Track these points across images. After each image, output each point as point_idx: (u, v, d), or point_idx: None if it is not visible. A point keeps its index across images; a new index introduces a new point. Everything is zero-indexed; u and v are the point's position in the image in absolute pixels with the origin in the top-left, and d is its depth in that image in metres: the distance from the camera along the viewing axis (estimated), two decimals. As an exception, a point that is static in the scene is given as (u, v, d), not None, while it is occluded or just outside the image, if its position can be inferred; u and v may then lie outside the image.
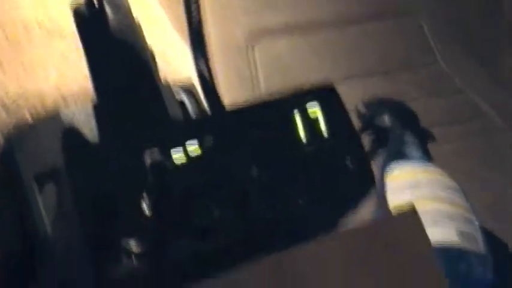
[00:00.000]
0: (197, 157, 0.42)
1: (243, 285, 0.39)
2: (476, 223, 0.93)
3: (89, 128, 0.60)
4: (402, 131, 1.04)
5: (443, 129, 1.10)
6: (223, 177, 0.42)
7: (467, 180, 0.99)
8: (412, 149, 1.03)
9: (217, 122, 0.45)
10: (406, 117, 1.07)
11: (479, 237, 0.91)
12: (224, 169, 0.42)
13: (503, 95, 1.14)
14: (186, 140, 0.43)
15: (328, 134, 0.45)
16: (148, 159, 0.41)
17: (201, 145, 0.43)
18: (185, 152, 0.42)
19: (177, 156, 0.42)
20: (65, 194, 0.58)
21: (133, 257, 0.40)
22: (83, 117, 0.61)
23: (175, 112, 0.64)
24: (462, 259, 0.88)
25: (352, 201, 0.44)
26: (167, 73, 0.70)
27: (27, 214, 0.61)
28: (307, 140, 0.45)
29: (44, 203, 0.60)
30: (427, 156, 1.04)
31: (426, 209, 0.94)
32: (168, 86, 0.65)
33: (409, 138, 1.04)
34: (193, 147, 0.43)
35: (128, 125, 0.58)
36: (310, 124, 0.46)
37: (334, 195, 0.44)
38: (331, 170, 0.44)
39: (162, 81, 0.59)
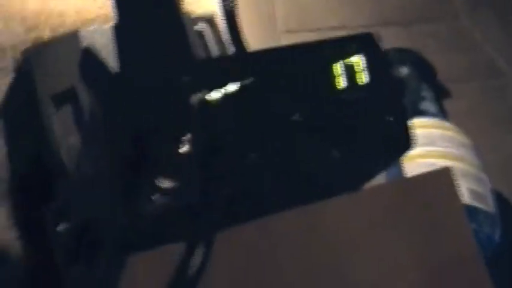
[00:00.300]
0: (237, 98, 0.40)
1: (274, 234, 0.38)
2: (488, 183, 0.92)
3: (107, 51, 0.59)
4: (419, 84, 1.02)
5: (459, 85, 1.08)
6: (264, 122, 0.40)
7: (480, 139, 0.98)
8: (428, 104, 1.01)
9: (255, 63, 0.43)
10: (424, 70, 1.04)
11: (490, 197, 0.90)
12: (265, 114, 0.40)
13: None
14: (226, 80, 0.41)
15: (368, 84, 0.44)
16: (188, 95, 0.39)
17: (241, 87, 0.41)
18: (225, 92, 0.40)
19: (216, 95, 0.40)
20: (84, 116, 0.57)
21: (165, 194, 0.39)
22: (103, 39, 0.59)
23: (194, 41, 0.63)
24: (471, 218, 0.88)
25: (388, 160, 0.43)
26: (188, 4, 0.68)
27: (43, 134, 0.60)
28: (346, 88, 0.44)
29: (60, 124, 0.59)
30: (442, 112, 1.02)
31: (438, 165, 0.93)
32: (187, 15, 0.63)
33: (426, 92, 1.02)
34: (233, 88, 0.41)
35: (149, 51, 0.57)
36: (350, 73, 0.44)
37: (371, 151, 0.42)
38: (371, 124, 0.42)
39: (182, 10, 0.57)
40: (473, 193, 0.89)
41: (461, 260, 0.40)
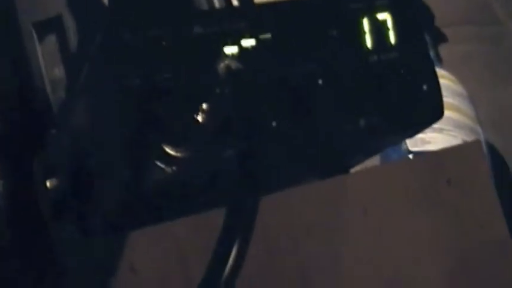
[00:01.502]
0: (255, 59, 0.36)
1: (291, 208, 0.35)
2: (482, 135, 0.90)
3: None
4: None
5: (455, 29, 1.05)
6: (285, 87, 0.36)
7: (474, 87, 0.96)
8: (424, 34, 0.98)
9: (271, 15, 0.39)
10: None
11: (484, 149, 0.88)
12: (285, 76, 0.36)
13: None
14: (240, 37, 0.37)
15: (399, 45, 0.40)
16: (207, 55, 0.35)
17: (257, 44, 0.37)
18: (240, 50, 0.36)
19: (237, 57, 0.36)
20: (71, 47, 0.53)
21: (173, 163, 0.35)
22: None
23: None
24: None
25: (415, 130, 0.39)
26: None
27: (24, 65, 0.56)
28: (374, 48, 0.40)
29: (44, 55, 0.55)
30: (438, 58, 0.99)
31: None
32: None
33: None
34: (249, 44, 0.37)
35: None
36: (378, 30, 0.40)
37: (399, 120, 0.39)
38: (402, 90, 0.38)
39: None
40: (467, 145, 0.88)
41: (492, 243, 0.38)
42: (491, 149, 0.92)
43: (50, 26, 0.55)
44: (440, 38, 1.02)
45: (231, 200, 0.33)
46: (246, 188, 0.34)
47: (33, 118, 0.55)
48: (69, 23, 0.54)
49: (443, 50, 1.01)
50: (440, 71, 0.94)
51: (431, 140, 0.88)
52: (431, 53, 0.98)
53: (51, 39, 0.56)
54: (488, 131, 0.93)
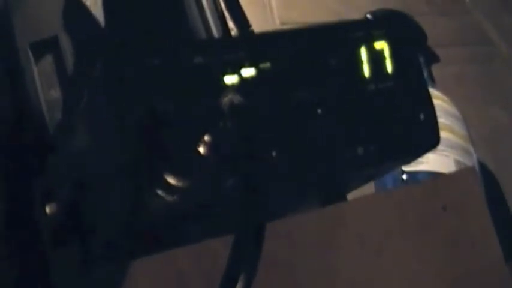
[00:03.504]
0: (254, 88, 0.37)
1: (288, 237, 0.36)
2: (475, 155, 0.91)
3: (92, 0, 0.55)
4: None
5: (447, 50, 1.06)
6: (284, 116, 0.37)
7: (467, 107, 0.97)
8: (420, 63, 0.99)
9: (271, 44, 0.40)
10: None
11: (476, 169, 0.89)
12: (284, 102, 0.37)
13: (512, 23, 1.09)
14: (240, 66, 0.37)
15: (395, 74, 0.40)
16: (212, 88, 0.35)
17: (257, 74, 0.37)
18: (241, 80, 0.37)
19: (232, 83, 0.36)
20: (67, 69, 0.53)
21: (174, 192, 0.35)
22: None
23: (192, 11, 0.58)
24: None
25: (410, 158, 0.40)
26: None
27: (21, 86, 0.56)
28: (372, 76, 0.40)
29: (40, 76, 0.55)
30: (431, 79, 1.00)
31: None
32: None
33: (415, 57, 1.00)
34: (249, 74, 0.38)
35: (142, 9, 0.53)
36: (376, 59, 0.41)
37: (396, 147, 0.39)
38: (399, 118, 0.39)
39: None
40: (461, 165, 0.88)
41: (486, 270, 0.38)
42: (484, 168, 0.93)
43: (46, 47, 0.55)
44: (433, 58, 1.03)
45: (231, 230, 0.34)
46: (246, 217, 0.35)
47: (29, 138, 0.55)
48: (66, 44, 0.55)
49: (436, 70, 1.02)
50: (433, 92, 0.95)
51: (423, 159, 0.88)
52: (425, 74, 0.99)
53: (48, 60, 0.56)
54: (480, 150, 0.94)
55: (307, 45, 0.40)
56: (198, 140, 0.34)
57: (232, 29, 0.59)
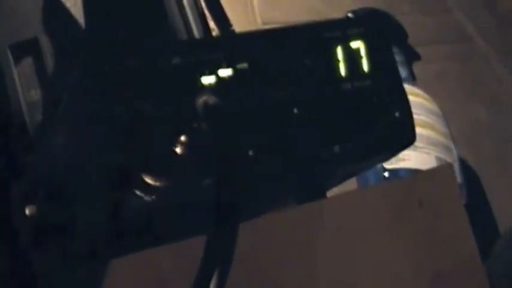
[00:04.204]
0: (231, 88, 0.37)
1: (266, 235, 0.36)
2: (455, 152, 0.92)
3: (73, 2, 0.55)
4: (390, 47, 1.01)
5: (427, 48, 1.07)
6: (260, 115, 0.37)
7: (447, 104, 0.98)
8: (399, 68, 0.99)
9: (248, 45, 0.40)
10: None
11: (457, 166, 0.90)
12: (261, 105, 0.37)
13: (492, 21, 1.10)
14: (217, 67, 0.38)
15: (371, 73, 0.41)
16: (186, 86, 0.35)
17: (234, 74, 0.38)
18: (218, 80, 0.37)
19: (209, 84, 0.37)
20: (47, 70, 0.53)
21: (152, 192, 0.36)
22: None
23: (172, 11, 0.59)
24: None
25: (386, 155, 0.40)
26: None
27: (1, 87, 0.56)
28: (348, 75, 0.41)
29: (20, 77, 0.55)
30: (412, 76, 1.01)
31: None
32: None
33: (396, 56, 1.00)
34: (226, 74, 0.38)
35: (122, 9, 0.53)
36: (352, 58, 0.41)
37: (372, 145, 0.40)
38: (375, 117, 0.39)
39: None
40: (442, 162, 0.89)
41: (462, 267, 0.39)
42: (464, 164, 0.94)
43: (26, 48, 0.55)
44: (414, 56, 1.04)
45: (210, 228, 0.34)
46: (224, 216, 0.35)
47: (9, 140, 0.55)
48: (46, 46, 0.55)
49: (417, 68, 1.03)
50: (414, 90, 0.96)
51: (405, 157, 0.89)
52: (406, 72, 1.00)
53: (28, 61, 0.56)
54: (460, 147, 0.95)
55: (283, 45, 0.40)
56: (175, 140, 0.34)
57: (213, 29, 0.60)
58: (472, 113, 1.04)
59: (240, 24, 0.62)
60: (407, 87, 1.02)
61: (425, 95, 0.95)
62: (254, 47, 0.39)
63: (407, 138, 0.40)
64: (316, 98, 0.39)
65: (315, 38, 0.41)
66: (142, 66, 0.37)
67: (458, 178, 0.89)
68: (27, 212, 0.45)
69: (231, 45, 0.39)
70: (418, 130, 1.00)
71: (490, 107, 1.03)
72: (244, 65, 0.39)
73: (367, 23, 0.42)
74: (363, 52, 0.41)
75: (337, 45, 0.41)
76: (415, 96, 0.95)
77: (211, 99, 0.35)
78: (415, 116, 1.03)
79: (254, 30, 0.41)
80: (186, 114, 0.34)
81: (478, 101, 1.04)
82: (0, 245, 0.49)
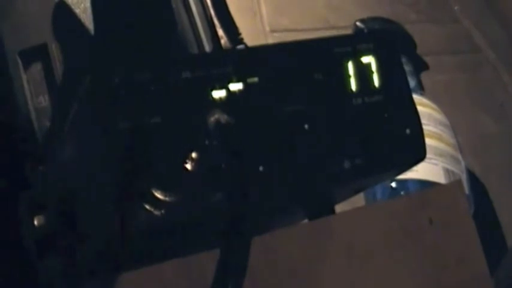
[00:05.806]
0: (241, 102, 0.37)
1: (275, 250, 0.36)
2: (463, 163, 0.91)
3: (82, 8, 0.55)
4: (398, 56, 1.00)
5: (436, 58, 1.06)
6: (271, 131, 0.37)
7: (455, 115, 0.98)
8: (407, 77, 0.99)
9: (258, 59, 0.40)
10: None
11: (464, 177, 0.90)
12: (271, 117, 0.37)
13: (501, 32, 1.10)
14: (228, 81, 0.37)
15: (382, 88, 0.41)
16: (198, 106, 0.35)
17: (244, 88, 0.38)
18: (228, 95, 0.37)
19: (219, 98, 0.37)
20: (56, 76, 0.53)
21: (161, 207, 0.35)
22: None
23: (182, 19, 0.59)
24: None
25: (398, 170, 0.40)
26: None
27: (9, 93, 0.56)
28: (359, 91, 0.41)
29: (29, 84, 0.55)
30: (420, 86, 1.01)
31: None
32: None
33: (405, 65, 1.00)
34: (236, 88, 0.38)
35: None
36: (363, 73, 0.41)
37: (382, 161, 0.39)
38: (385, 132, 0.39)
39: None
40: (449, 173, 0.89)
41: (472, 285, 0.39)
42: (472, 175, 0.94)
43: (35, 54, 0.55)
44: (422, 66, 1.03)
45: (219, 243, 0.34)
46: (234, 231, 0.35)
47: (18, 146, 0.55)
48: (55, 52, 0.55)
49: (425, 78, 1.02)
50: (422, 100, 0.96)
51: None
52: (414, 82, 0.99)
53: (37, 67, 0.56)
54: (468, 157, 0.94)
55: (294, 60, 0.40)
56: (185, 156, 0.34)
57: (222, 37, 0.60)
58: (480, 123, 1.04)
59: (248, 32, 0.62)
60: (415, 97, 1.01)
61: (433, 105, 0.95)
62: (265, 62, 0.39)
63: (417, 155, 0.40)
64: (326, 113, 0.39)
65: (326, 53, 0.41)
66: (153, 80, 0.37)
67: (466, 189, 0.89)
68: (35, 222, 0.45)
69: (242, 59, 0.39)
70: (426, 141, 1.00)
71: (497, 117, 1.03)
72: (255, 80, 0.38)
73: (378, 38, 0.42)
74: (373, 67, 0.41)
75: (348, 60, 0.41)
76: (423, 107, 0.94)
77: (223, 117, 0.35)
78: (424, 127, 1.03)
79: (265, 45, 0.41)
80: (197, 130, 0.34)
81: (486, 112, 1.04)
82: (6, 255, 0.49)
